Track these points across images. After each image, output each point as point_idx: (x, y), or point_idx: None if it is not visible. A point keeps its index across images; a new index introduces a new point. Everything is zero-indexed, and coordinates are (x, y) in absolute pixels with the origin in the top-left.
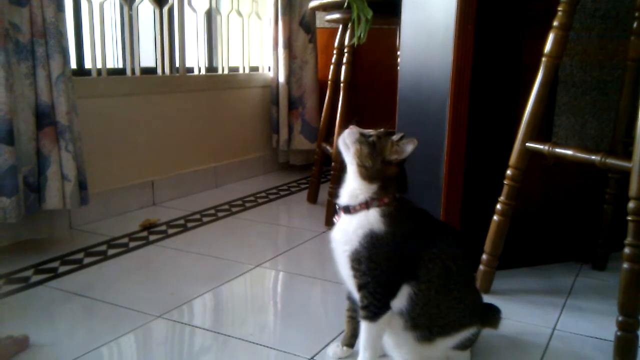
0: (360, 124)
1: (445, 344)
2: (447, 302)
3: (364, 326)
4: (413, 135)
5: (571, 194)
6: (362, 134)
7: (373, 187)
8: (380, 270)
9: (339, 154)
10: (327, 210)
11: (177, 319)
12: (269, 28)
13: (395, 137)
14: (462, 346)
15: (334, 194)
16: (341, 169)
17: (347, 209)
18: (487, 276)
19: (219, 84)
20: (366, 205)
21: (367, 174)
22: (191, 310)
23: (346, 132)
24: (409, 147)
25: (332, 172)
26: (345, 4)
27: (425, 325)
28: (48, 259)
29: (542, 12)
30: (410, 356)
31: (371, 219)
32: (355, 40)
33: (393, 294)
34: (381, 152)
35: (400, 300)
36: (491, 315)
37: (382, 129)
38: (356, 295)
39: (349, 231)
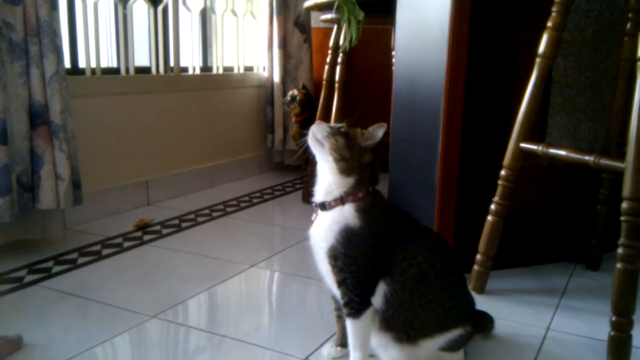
0: (356, 123)
1: (429, 346)
2: (422, 305)
3: (349, 324)
4: (408, 136)
5: (565, 194)
6: (331, 127)
7: (349, 181)
8: (357, 266)
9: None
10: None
11: (171, 319)
12: (264, 28)
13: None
14: (450, 348)
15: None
16: None
17: (323, 206)
18: (481, 276)
19: (213, 84)
20: (341, 200)
21: (346, 166)
22: (186, 310)
23: (314, 128)
24: (380, 132)
25: None
26: (335, 5)
27: (399, 327)
28: (42, 258)
29: (536, 12)
30: (396, 357)
31: (346, 214)
32: (347, 43)
33: (371, 289)
34: (355, 140)
35: (376, 300)
36: (483, 323)
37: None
38: (336, 292)
39: (324, 227)
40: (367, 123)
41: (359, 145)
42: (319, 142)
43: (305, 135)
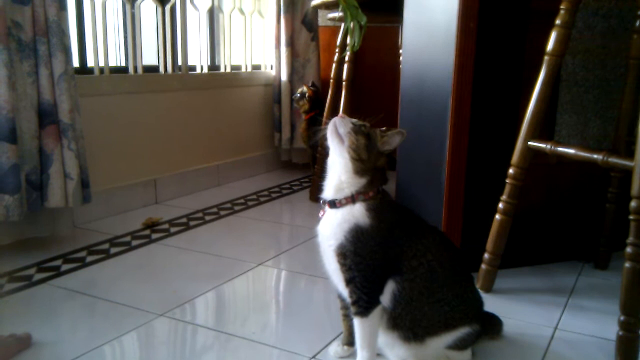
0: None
1: (436, 344)
2: (430, 303)
3: (357, 323)
4: (416, 134)
5: (573, 192)
6: (354, 124)
7: (361, 181)
8: (366, 264)
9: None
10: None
11: (179, 317)
12: (272, 26)
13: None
14: (457, 346)
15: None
16: None
17: (333, 203)
18: (489, 275)
19: (221, 83)
20: (352, 199)
21: (361, 167)
22: (193, 308)
23: (337, 120)
24: (397, 139)
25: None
26: (340, 9)
27: (406, 325)
28: (51, 257)
29: (545, 10)
30: (403, 356)
31: (356, 213)
32: (349, 48)
33: (380, 288)
34: (374, 143)
35: (384, 298)
36: (491, 325)
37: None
38: (343, 291)
39: (334, 225)
40: (376, 123)
41: (377, 149)
42: (339, 137)
43: (314, 132)
